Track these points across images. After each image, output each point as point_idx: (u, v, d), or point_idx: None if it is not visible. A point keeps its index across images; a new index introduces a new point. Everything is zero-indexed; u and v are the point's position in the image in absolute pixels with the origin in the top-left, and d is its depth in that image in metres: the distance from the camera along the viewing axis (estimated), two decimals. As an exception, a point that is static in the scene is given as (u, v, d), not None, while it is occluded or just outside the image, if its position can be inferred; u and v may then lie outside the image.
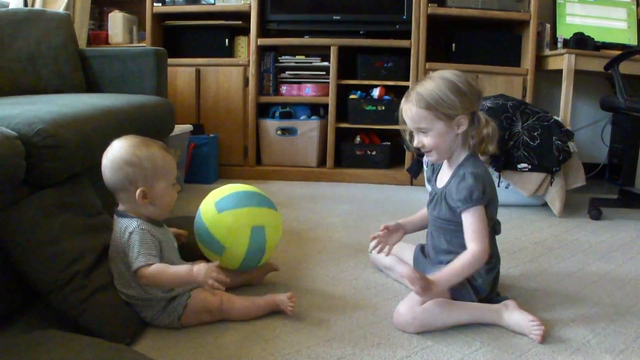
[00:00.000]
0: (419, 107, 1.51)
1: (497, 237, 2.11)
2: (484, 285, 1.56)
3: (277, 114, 3.59)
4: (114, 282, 1.46)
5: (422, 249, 1.79)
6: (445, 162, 1.65)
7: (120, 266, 1.43)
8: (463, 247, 1.58)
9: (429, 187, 1.73)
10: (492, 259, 1.58)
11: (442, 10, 3.41)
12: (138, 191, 1.42)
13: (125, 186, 1.43)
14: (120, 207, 1.47)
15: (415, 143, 1.58)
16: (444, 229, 1.63)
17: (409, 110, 1.53)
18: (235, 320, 1.52)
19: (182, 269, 1.40)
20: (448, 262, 1.61)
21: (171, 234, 1.57)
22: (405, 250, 1.86)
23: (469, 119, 1.53)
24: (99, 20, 3.81)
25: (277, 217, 1.73)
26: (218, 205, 1.64)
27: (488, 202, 1.54)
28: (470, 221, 1.50)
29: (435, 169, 1.72)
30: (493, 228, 1.62)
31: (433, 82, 1.52)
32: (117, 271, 1.45)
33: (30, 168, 1.47)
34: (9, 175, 1.37)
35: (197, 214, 1.69)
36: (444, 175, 1.64)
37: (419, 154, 1.60)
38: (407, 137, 1.64)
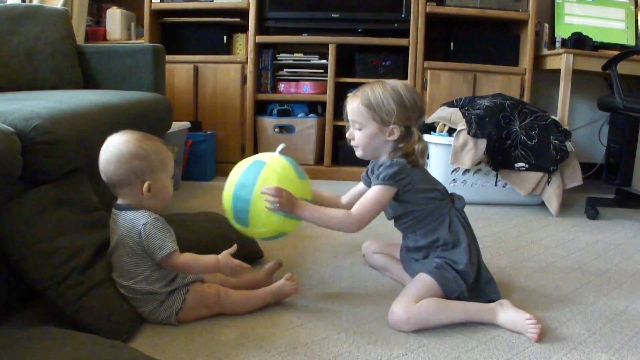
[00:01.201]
0: (361, 103, 1.60)
1: (492, 236, 2.12)
2: (468, 269, 1.57)
3: (274, 111, 3.59)
4: (112, 276, 1.46)
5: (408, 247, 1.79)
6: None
7: (123, 259, 1.43)
8: (429, 233, 1.63)
9: (363, 181, 1.81)
10: (464, 237, 1.61)
11: (440, 9, 3.41)
12: (145, 184, 1.41)
13: (131, 180, 1.41)
14: (120, 201, 1.46)
15: (348, 134, 1.67)
16: (405, 228, 1.69)
17: (352, 103, 1.63)
18: (233, 313, 1.52)
19: (210, 260, 1.46)
20: (426, 255, 1.65)
21: None
22: (398, 249, 1.87)
23: (401, 130, 1.59)
24: (96, 16, 3.81)
25: (298, 225, 1.67)
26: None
27: (404, 189, 1.58)
28: (368, 194, 1.58)
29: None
30: (452, 202, 1.67)
31: (382, 87, 1.61)
32: (119, 264, 1.45)
33: (27, 164, 1.46)
34: (5, 171, 1.37)
35: (248, 180, 1.54)
36: None
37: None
38: (347, 127, 1.71)
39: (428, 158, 1.64)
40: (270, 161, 1.59)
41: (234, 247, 1.49)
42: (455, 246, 1.60)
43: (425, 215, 1.63)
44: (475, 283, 1.61)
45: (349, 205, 1.75)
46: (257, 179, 1.53)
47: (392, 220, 1.73)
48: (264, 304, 1.57)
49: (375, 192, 1.57)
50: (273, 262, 1.79)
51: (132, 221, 1.41)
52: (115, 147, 1.41)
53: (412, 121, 1.60)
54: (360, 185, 1.82)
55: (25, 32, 2.54)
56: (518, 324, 1.47)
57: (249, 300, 1.55)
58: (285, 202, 1.50)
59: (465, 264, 1.56)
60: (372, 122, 1.59)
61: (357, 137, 1.63)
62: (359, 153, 1.67)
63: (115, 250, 1.45)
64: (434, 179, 1.70)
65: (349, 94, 1.67)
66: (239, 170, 1.59)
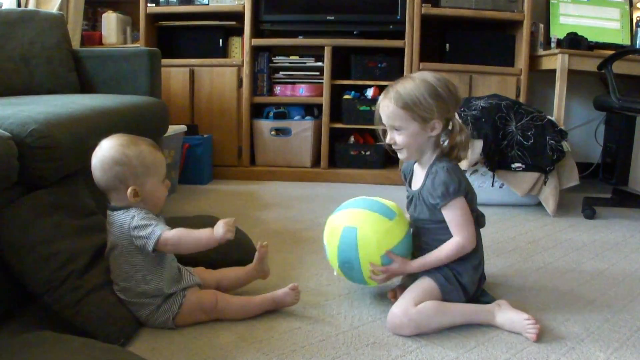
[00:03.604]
0: (397, 106, 1.52)
1: (490, 236, 2.10)
2: (470, 284, 1.57)
3: (271, 114, 3.59)
4: (111, 278, 1.46)
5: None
6: (416, 165, 1.67)
7: (120, 259, 1.43)
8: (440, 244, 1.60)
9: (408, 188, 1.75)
10: (477, 254, 1.60)
11: (435, 11, 3.41)
12: (129, 190, 1.42)
13: (116, 185, 1.43)
14: (113, 204, 1.47)
15: (387, 139, 1.60)
16: (424, 229, 1.64)
17: (387, 107, 1.55)
18: (231, 320, 1.52)
19: (203, 232, 1.43)
20: None
21: None
22: None
23: (443, 123, 1.55)
24: (92, 20, 3.80)
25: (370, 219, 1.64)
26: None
27: (466, 192, 1.55)
28: (452, 215, 1.54)
29: (407, 175, 1.73)
30: (477, 221, 1.63)
31: (413, 82, 1.53)
32: (116, 265, 1.45)
33: (24, 169, 1.46)
34: (2, 176, 1.37)
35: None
36: (418, 177, 1.65)
37: (391, 150, 1.65)
38: (381, 132, 1.64)
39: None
40: (360, 224, 1.59)
41: (232, 219, 1.45)
42: (464, 259, 1.57)
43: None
44: (473, 299, 1.60)
45: None
46: (357, 253, 1.57)
47: (411, 212, 1.68)
48: (263, 310, 1.56)
49: (457, 208, 1.52)
50: (258, 247, 1.70)
51: (122, 219, 1.42)
52: (101, 153, 1.43)
53: (451, 112, 1.55)
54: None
55: (21, 37, 2.53)
56: (517, 324, 1.47)
57: (248, 307, 1.54)
58: (397, 273, 1.52)
59: (469, 277, 1.56)
60: (413, 122, 1.52)
61: (399, 140, 1.56)
62: (403, 155, 1.60)
63: (112, 252, 1.45)
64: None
65: (380, 98, 1.59)
66: (334, 244, 1.62)
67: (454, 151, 1.57)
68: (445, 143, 1.58)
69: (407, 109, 1.52)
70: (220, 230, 1.41)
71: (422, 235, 1.64)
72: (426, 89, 1.51)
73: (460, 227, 1.53)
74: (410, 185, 1.70)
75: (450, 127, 1.57)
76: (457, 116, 1.59)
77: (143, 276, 1.44)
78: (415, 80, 1.53)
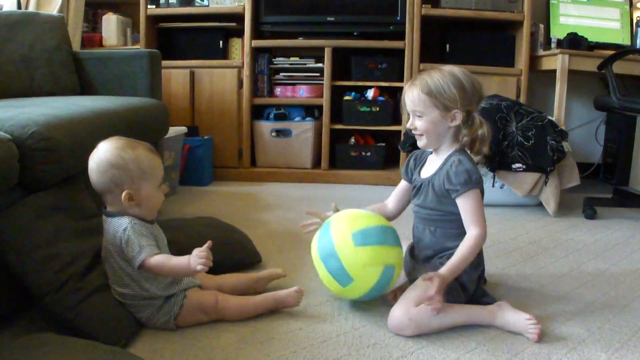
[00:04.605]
0: (421, 92, 1.58)
1: (490, 237, 2.08)
2: (469, 282, 1.57)
3: (271, 115, 3.59)
4: (109, 283, 1.46)
5: (411, 250, 1.78)
6: (432, 155, 1.70)
7: (115, 265, 1.43)
8: (447, 238, 1.62)
9: (404, 177, 1.79)
10: (479, 256, 1.60)
11: (435, 11, 3.41)
12: (124, 193, 1.41)
13: (111, 188, 1.42)
14: (109, 208, 1.47)
15: (409, 124, 1.65)
16: (428, 219, 1.65)
17: (411, 92, 1.61)
18: (232, 320, 1.52)
19: (182, 260, 1.39)
20: (430, 257, 1.64)
21: (161, 231, 1.56)
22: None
23: (463, 115, 1.58)
24: (92, 22, 3.81)
25: (401, 254, 1.65)
26: (355, 238, 1.54)
27: (481, 187, 1.59)
28: (470, 204, 1.55)
29: (418, 163, 1.75)
30: None
31: (441, 73, 1.59)
32: (112, 271, 1.44)
33: (24, 171, 1.46)
34: (2, 177, 1.37)
35: (324, 238, 1.60)
36: (430, 166, 1.68)
37: (411, 139, 1.66)
38: (406, 117, 1.68)
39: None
40: (333, 216, 1.65)
41: (209, 243, 1.41)
42: None
43: (456, 219, 1.59)
44: (473, 299, 1.60)
45: (397, 209, 1.80)
46: (331, 237, 1.57)
47: (413, 204, 1.71)
48: (263, 311, 1.56)
49: (475, 199, 1.55)
50: (278, 270, 1.76)
51: (116, 227, 1.42)
52: (97, 155, 1.43)
53: (472, 105, 1.59)
54: (402, 184, 1.81)
55: (22, 39, 2.53)
56: (518, 324, 1.47)
57: (248, 307, 1.54)
58: (440, 288, 1.44)
59: (468, 276, 1.56)
60: (434, 109, 1.58)
61: (419, 125, 1.61)
62: (422, 142, 1.64)
63: (107, 258, 1.45)
64: None
65: (407, 85, 1.64)
66: (369, 280, 1.55)
67: (475, 144, 1.62)
68: (466, 139, 1.61)
69: (430, 96, 1.57)
70: (195, 263, 1.37)
71: (427, 225, 1.66)
72: (451, 79, 1.57)
73: (477, 216, 1.55)
74: (419, 174, 1.72)
75: (471, 122, 1.60)
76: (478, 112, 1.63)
77: (139, 282, 1.43)
78: (443, 72, 1.59)
